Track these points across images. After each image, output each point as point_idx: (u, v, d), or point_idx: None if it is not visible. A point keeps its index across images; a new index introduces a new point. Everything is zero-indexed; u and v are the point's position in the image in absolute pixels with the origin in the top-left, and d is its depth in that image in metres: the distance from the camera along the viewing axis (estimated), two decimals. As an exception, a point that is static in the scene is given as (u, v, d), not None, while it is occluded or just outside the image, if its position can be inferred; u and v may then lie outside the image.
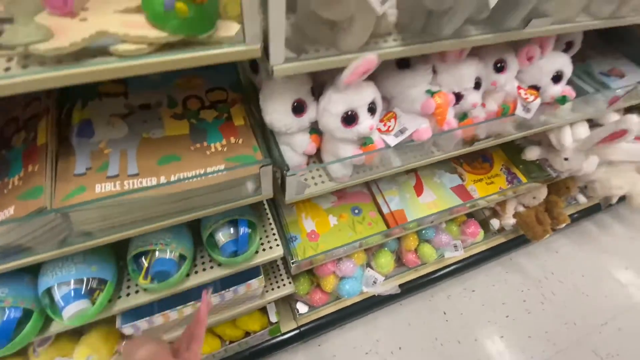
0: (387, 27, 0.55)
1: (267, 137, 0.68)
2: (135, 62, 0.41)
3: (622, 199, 1.58)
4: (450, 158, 1.04)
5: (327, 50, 0.52)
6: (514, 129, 0.91)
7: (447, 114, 0.68)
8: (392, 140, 0.68)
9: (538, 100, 0.78)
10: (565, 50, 0.90)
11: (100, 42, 0.39)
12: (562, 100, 0.81)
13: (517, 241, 1.57)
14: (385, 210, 1.00)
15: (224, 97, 0.69)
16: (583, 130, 1.02)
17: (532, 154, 1.12)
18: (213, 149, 0.60)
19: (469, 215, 1.48)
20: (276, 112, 0.61)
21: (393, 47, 0.56)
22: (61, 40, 0.37)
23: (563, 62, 0.80)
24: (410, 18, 0.55)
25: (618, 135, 0.91)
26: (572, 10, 0.68)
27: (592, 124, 1.14)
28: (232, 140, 0.62)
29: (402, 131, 0.68)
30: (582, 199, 1.55)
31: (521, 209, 1.40)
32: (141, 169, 0.55)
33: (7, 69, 0.39)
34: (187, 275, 0.73)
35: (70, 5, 0.38)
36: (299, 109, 0.63)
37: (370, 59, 0.52)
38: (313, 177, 0.75)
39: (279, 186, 0.70)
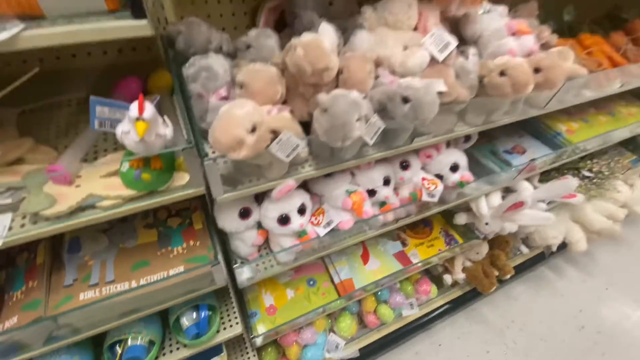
0: (302, 159, 0.76)
1: (221, 236, 0.85)
2: (113, 211, 0.59)
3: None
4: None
5: (257, 180, 0.72)
6: (433, 207, 1.11)
7: (363, 207, 0.88)
8: (322, 231, 0.86)
9: (440, 187, 0.99)
10: (466, 141, 1.15)
11: (89, 201, 0.58)
12: (461, 184, 1.03)
13: (476, 291, 1.70)
14: (336, 280, 1.15)
15: (187, 205, 0.87)
16: (496, 199, 1.23)
17: (461, 219, 1.31)
18: (175, 253, 0.76)
19: (427, 271, 1.63)
20: (226, 220, 0.79)
21: (309, 171, 0.76)
22: (62, 205, 0.56)
23: (457, 157, 1.03)
24: (319, 151, 0.76)
25: (518, 205, 1.12)
26: (447, 126, 0.91)
27: (509, 190, 1.37)
28: (192, 243, 0.79)
29: (329, 223, 0.87)
30: (524, 249, 1.73)
31: (468, 263, 1.56)
32: (117, 276, 0.71)
33: (23, 225, 0.56)
34: (156, 358, 0.85)
35: (68, 180, 0.58)
36: (245, 214, 0.81)
37: (290, 184, 0.72)
38: (264, 262, 0.92)
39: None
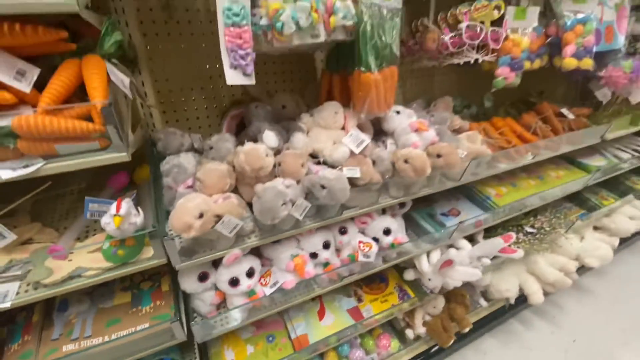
0: (249, 231, 0.97)
1: (185, 297, 1.03)
2: (95, 278, 0.79)
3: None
4: (351, 282, 1.41)
5: (210, 250, 0.93)
6: (378, 264, 1.29)
7: (305, 268, 1.07)
8: (268, 291, 1.04)
9: (374, 249, 1.18)
10: (401, 207, 1.37)
11: (77, 272, 0.78)
12: (393, 246, 1.22)
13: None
14: (292, 335, 1.28)
15: (158, 270, 1.06)
16: (436, 257, 1.41)
17: (409, 275, 1.48)
18: (144, 311, 0.94)
19: (392, 327, 1.73)
20: (187, 282, 0.98)
21: (254, 241, 0.97)
22: (57, 275, 0.76)
23: (388, 222, 1.24)
24: (261, 225, 0.97)
25: (448, 263, 1.29)
26: (371, 200, 1.14)
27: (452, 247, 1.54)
28: (158, 303, 0.97)
29: (275, 284, 1.05)
30: (483, 302, 1.85)
31: (428, 318, 1.67)
32: (94, 331, 0.88)
33: (27, 291, 0.76)
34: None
35: (64, 256, 0.79)
36: (203, 278, 1.00)
37: (236, 253, 0.93)
38: (221, 320, 1.08)
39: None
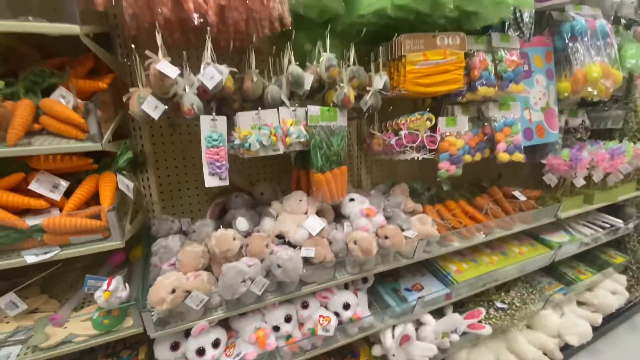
0: (216, 304, 1.15)
1: (158, 365, 1.16)
2: (83, 344, 0.96)
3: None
4: (321, 357, 1.49)
5: (182, 321, 1.09)
6: (340, 339, 1.40)
7: (266, 341, 1.20)
8: (232, 361, 1.16)
9: (333, 323, 1.31)
10: (364, 282, 1.52)
11: (69, 338, 0.96)
12: (351, 320, 1.35)
13: None
14: (258, 410, 1.33)
15: (139, 339, 1.21)
16: (399, 331, 1.50)
17: (376, 351, 1.55)
18: (120, 378, 1.07)
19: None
20: (160, 351, 1.12)
21: (220, 314, 1.14)
22: (52, 340, 0.94)
23: (348, 297, 1.38)
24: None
25: (405, 339, 1.39)
26: (329, 276, 1.31)
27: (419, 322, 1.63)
28: (133, 370, 1.10)
29: (238, 355, 1.17)
30: (461, 383, 1.82)
31: (400, 397, 1.67)
32: (73, 396, 1.01)
33: (26, 353, 0.93)
34: None
35: (61, 325, 0.97)
36: (175, 347, 1.14)
37: (203, 325, 1.09)
38: (189, 389, 1.18)
39: (162, 398, 1.12)
